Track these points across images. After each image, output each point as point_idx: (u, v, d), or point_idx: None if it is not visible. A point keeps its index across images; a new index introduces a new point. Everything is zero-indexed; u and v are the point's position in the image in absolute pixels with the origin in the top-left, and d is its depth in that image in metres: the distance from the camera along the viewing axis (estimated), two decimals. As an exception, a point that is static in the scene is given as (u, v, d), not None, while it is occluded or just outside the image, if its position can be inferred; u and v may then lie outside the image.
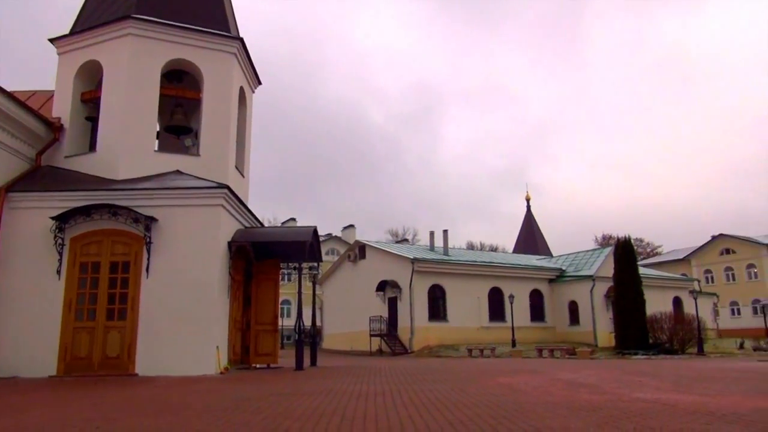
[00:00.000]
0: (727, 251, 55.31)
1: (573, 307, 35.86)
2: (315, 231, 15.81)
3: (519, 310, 33.99)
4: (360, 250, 38.03)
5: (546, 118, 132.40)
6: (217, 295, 13.29)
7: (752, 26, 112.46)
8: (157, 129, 16.07)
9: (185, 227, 13.37)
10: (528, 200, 62.93)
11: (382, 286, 33.57)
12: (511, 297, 32.80)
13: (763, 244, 52.77)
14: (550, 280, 37.59)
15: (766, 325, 46.05)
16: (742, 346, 31.54)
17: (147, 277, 12.98)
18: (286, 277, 36.46)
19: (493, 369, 14.87)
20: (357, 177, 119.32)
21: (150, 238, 13.09)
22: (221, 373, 12.93)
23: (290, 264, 16.83)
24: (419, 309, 31.85)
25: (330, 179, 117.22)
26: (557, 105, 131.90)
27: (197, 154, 15.22)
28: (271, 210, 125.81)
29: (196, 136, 15.87)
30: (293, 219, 55.76)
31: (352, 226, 59.72)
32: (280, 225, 52.52)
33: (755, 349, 30.26)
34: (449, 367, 16.65)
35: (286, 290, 43.23)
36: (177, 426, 5.39)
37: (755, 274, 52.87)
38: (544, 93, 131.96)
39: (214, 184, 13.85)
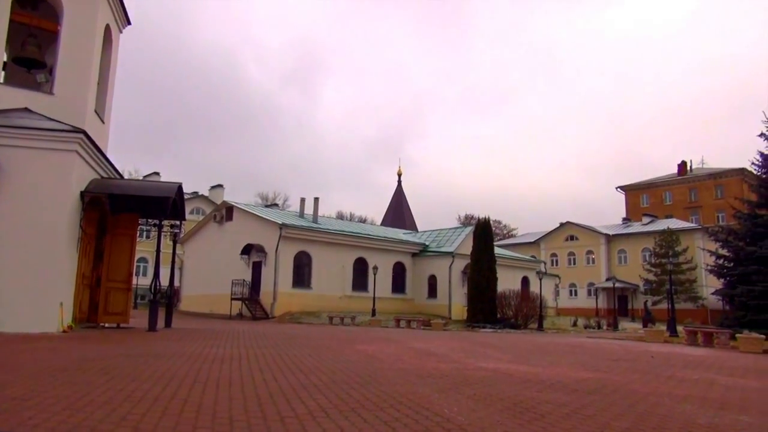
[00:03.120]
0: (572, 238, 60.71)
1: (432, 281, 37.58)
2: (180, 187, 15.11)
3: (381, 282, 34.99)
4: (227, 212, 36.93)
5: (424, 92, 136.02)
6: (63, 248, 12.33)
7: (616, 29, 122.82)
8: (4, 59, 14.35)
9: (32, 172, 12.19)
10: (399, 175, 64.54)
11: (248, 250, 32.96)
12: (375, 268, 33.68)
13: (602, 233, 58.52)
14: (413, 254, 39.02)
15: (596, 306, 51.43)
16: (575, 324, 34.91)
17: (-19, 223, 11.71)
18: (144, 233, 34.56)
19: (352, 337, 15.28)
20: (229, 134, 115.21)
21: (-12, 180, 11.77)
22: (64, 331, 12.10)
23: (150, 220, 15.98)
24: (284, 275, 31.72)
25: (200, 134, 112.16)
26: (436, 81, 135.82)
27: (51, 93, 13.82)
28: (132, 162, 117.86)
29: (51, 72, 14.39)
30: (157, 173, 52.62)
31: (220, 185, 57.60)
32: (141, 178, 49.44)
33: (586, 327, 33.64)
34: (309, 333, 16.86)
35: (144, 248, 40.98)
36: (9, 386, 5.00)
37: (593, 260, 58.61)
38: (423, 67, 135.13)
39: (68, 127, 12.71)
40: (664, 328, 26.15)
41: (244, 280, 32.09)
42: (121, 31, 16.77)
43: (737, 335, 17.71)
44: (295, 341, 12.52)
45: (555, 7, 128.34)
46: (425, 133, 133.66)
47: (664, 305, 44.20)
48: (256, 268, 32.88)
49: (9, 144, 12.06)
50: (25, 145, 12.18)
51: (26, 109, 13.13)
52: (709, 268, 30.82)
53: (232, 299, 31.53)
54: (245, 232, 34.14)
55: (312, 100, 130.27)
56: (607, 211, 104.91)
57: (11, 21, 13.46)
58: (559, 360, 10.16)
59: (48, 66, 14.74)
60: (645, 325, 33.82)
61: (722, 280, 27.82)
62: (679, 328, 24.19)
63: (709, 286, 45.33)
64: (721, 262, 27.62)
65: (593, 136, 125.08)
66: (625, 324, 39.10)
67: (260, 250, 32.40)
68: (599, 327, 34.02)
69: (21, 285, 11.67)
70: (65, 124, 12.90)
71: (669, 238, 49.98)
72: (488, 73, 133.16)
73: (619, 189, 71.44)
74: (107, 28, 15.48)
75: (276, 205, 59.45)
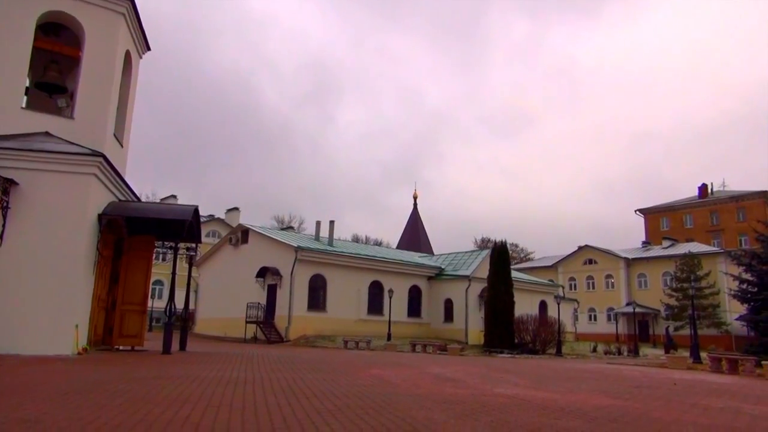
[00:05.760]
0: (590, 261, 60.03)
1: (448, 305, 37.28)
2: (196, 210, 15.24)
3: (397, 305, 34.79)
4: (243, 234, 37.14)
5: (440, 114, 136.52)
6: (80, 270, 12.45)
7: (636, 48, 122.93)
8: (27, 84, 14.70)
9: (51, 195, 12.39)
10: (415, 198, 64.60)
11: (263, 273, 33.04)
12: (391, 291, 33.52)
13: (621, 257, 57.80)
14: (429, 278, 38.82)
15: (616, 331, 50.58)
16: (594, 350, 34.31)
17: (1, 245, 11.89)
18: (160, 256, 34.90)
19: (367, 361, 15.18)
20: (245, 157, 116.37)
21: (8, 202, 11.98)
22: (79, 353, 12.15)
23: (166, 243, 16.12)
24: (299, 298, 31.70)
25: (217, 157, 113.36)
26: (452, 101, 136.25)
27: (71, 117, 14.11)
28: (150, 185, 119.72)
29: (72, 97, 14.71)
30: (174, 196, 53.29)
31: (236, 208, 58.14)
32: (158, 201, 50.07)
33: (606, 353, 33.06)
34: (324, 357, 16.77)
35: (160, 270, 41.36)
36: (21, 408, 5.01)
37: (612, 284, 57.83)
38: (440, 87, 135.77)
39: (87, 151, 12.93)
40: (686, 354, 25.63)
41: (259, 303, 32.10)
42: (140, 57, 17.13)
43: (763, 362, 17.30)
44: (310, 365, 12.45)
45: (574, 25, 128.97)
46: (442, 156, 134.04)
47: (686, 331, 43.37)
48: (271, 292, 32.90)
49: (29, 167, 12.29)
50: (44, 168, 12.40)
51: (47, 133, 13.40)
52: (732, 292, 30.29)
53: (246, 322, 31.53)
54: (260, 255, 34.27)
55: (327, 122, 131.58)
56: (627, 235, 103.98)
57: (34, 47, 13.82)
58: (578, 386, 9.98)
59: (69, 91, 15.07)
60: (667, 352, 33.22)
61: (746, 305, 27.31)
62: (703, 355, 23.71)
63: (732, 312, 44.49)
64: (744, 286, 27.16)
65: (612, 159, 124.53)
66: (646, 350, 38.40)
67: (275, 273, 32.46)
68: (619, 353, 33.44)
69: (37, 307, 11.78)
70: (84, 147, 13.12)
71: (690, 262, 49.24)
72: (506, 94, 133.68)
73: (638, 212, 70.78)
74: (127, 54, 15.82)
75: (291, 228, 59.79)
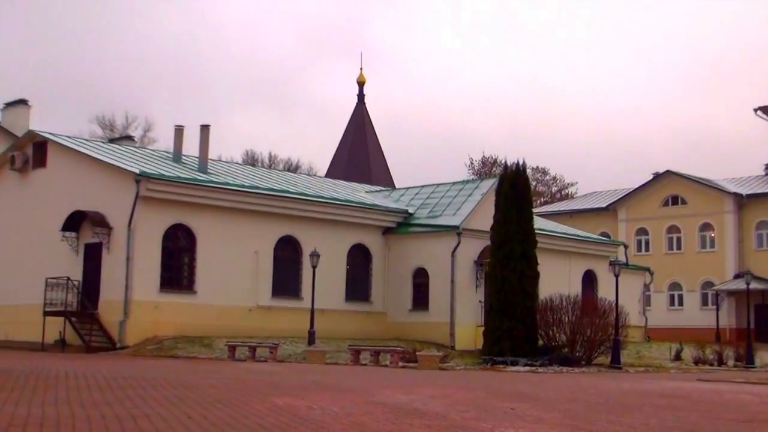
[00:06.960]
0: (674, 201, 60.76)
1: (421, 279, 37.48)
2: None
3: (327, 280, 34.71)
4: (36, 151, 36.32)
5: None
6: None
7: None
8: None
9: None
10: (361, 84, 64.24)
11: (75, 223, 32.58)
12: (315, 256, 33.52)
13: (728, 192, 58.52)
14: (387, 230, 38.90)
15: (717, 323, 51.91)
16: (678, 356, 35.23)
17: None
18: None
19: (271, 381, 15.29)
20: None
21: None
22: None
23: None
24: (145, 268, 31.36)
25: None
26: None
27: None
28: None
29: None
30: None
31: (22, 102, 56.71)
32: None
33: (697, 362, 33.91)
34: (192, 377, 16.82)
35: None
36: None
37: (711, 240, 58.90)
38: None
39: None
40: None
41: (68, 279, 31.79)
42: None
43: None
44: (165, 392, 12.46)
45: None
46: (408, 8, 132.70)
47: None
48: (93, 256, 32.61)
49: None
50: None
51: None
52: None
53: (45, 314, 31.26)
54: (70, 189, 33.77)
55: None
56: (738, 155, 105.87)
57: None
58: (646, 423, 10.28)
59: None
60: (802, 358, 34.54)
61: None
62: None
63: None
64: None
65: (712, 18, 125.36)
66: (767, 356, 39.77)
67: (100, 222, 32.08)
68: (721, 361, 34.52)
69: None
70: None
71: None
72: None
73: (759, 112, 72.02)
74: None
75: (130, 138, 58.85)
